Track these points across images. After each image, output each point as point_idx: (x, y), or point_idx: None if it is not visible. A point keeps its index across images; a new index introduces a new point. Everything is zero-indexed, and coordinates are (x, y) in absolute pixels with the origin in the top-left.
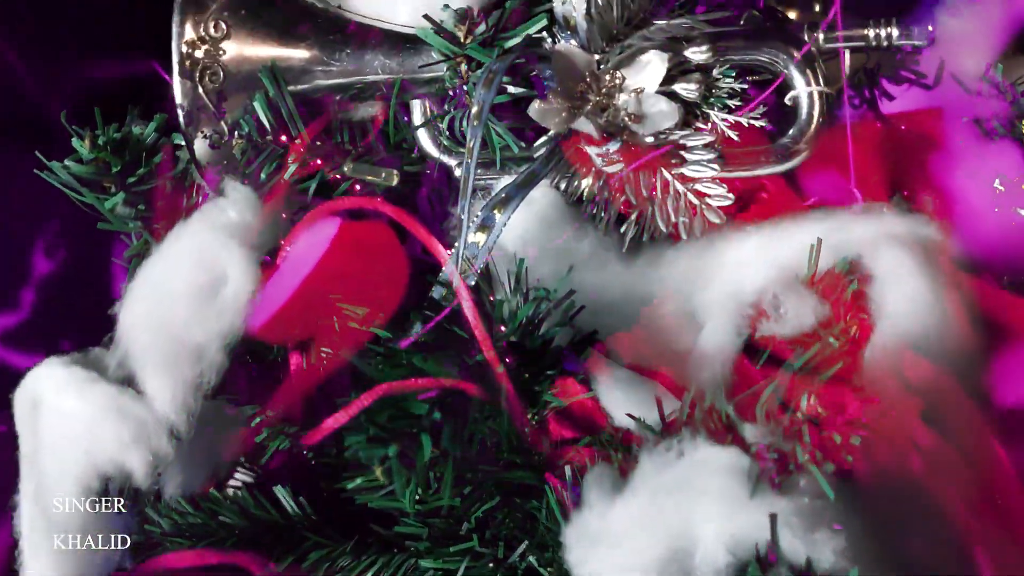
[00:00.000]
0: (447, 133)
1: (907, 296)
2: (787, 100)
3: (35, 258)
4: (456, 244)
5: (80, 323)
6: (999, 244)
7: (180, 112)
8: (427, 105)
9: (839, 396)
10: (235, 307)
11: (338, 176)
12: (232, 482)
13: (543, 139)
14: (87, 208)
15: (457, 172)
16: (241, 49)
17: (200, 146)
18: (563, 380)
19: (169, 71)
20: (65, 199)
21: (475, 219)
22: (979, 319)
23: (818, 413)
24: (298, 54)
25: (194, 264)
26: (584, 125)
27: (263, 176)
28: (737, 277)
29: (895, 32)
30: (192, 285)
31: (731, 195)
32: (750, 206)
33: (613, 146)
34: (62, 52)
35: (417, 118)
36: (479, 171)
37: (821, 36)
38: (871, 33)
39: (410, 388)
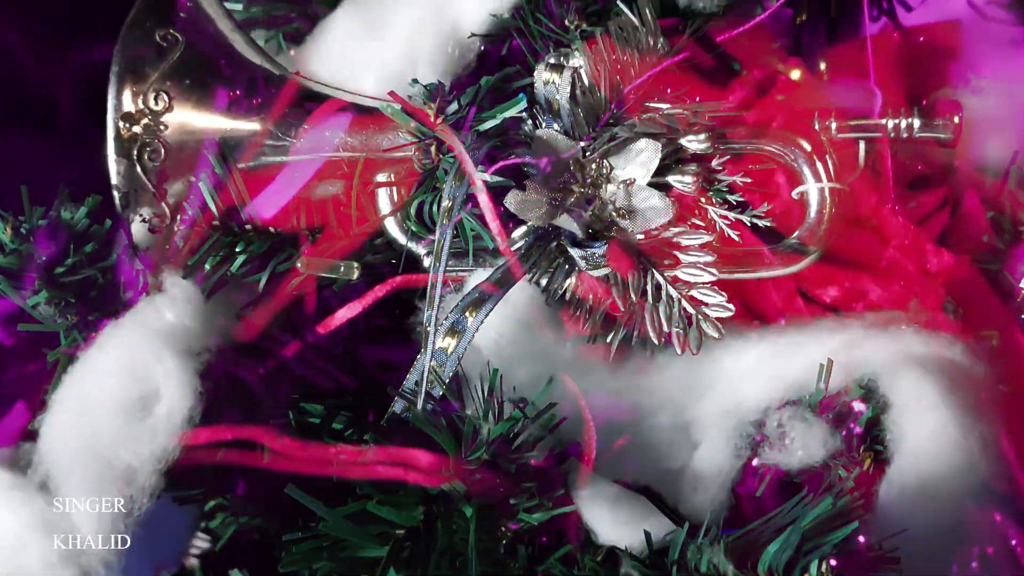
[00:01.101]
0: (415, 217)
1: (930, 431)
2: (794, 195)
3: (38, 242)
4: (422, 351)
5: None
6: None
7: (116, 194)
8: (392, 182)
9: (860, 282)
10: (169, 427)
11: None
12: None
13: (522, 230)
14: None
15: (425, 262)
16: (185, 123)
17: (138, 230)
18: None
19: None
20: (68, 180)
21: (444, 322)
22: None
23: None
24: (249, 129)
25: (125, 377)
26: (567, 222)
27: (207, 267)
28: (737, 390)
29: (916, 123)
30: (122, 401)
31: (731, 306)
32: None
33: (599, 249)
34: (63, 35)
35: (383, 204)
36: (450, 262)
37: (833, 125)
38: (889, 124)
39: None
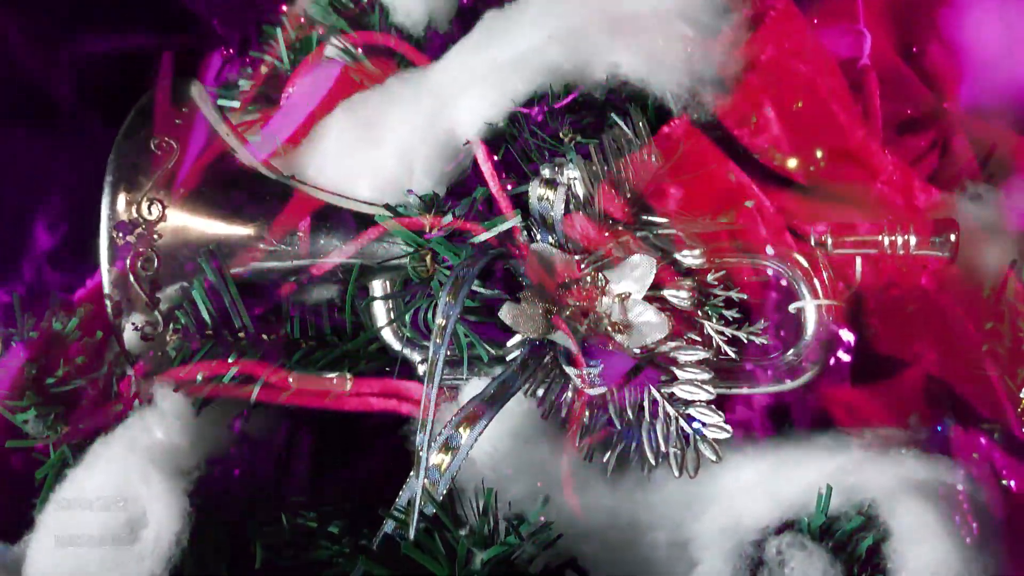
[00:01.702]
0: (409, 324)
1: (931, 561)
2: (791, 309)
3: (37, 233)
4: (415, 468)
5: (70, 420)
6: (1008, 95)
7: (108, 303)
8: (387, 289)
9: (848, 217)
10: (156, 552)
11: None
12: None
13: (516, 340)
14: None
15: (420, 369)
16: (179, 231)
17: (131, 338)
18: None
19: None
20: (67, 175)
21: (438, 437)
22: None
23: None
24: (244, 237)
25: (111, 499)
26: (563, 339)
27: (199, 378)
28: (736, 509)
29: (913, 240)
30: (108, 527)
31: (729, 428)
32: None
33: (595, 369)
34: (62, 29)
35: (380, 314)
36: (445, 371)
37: (830, 241)
38: (886, 240)
39: None
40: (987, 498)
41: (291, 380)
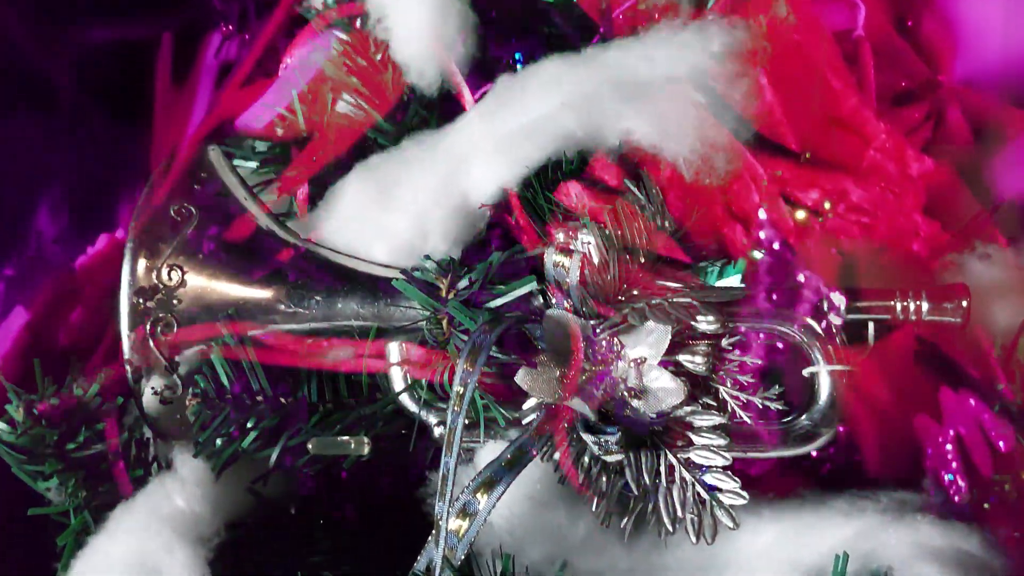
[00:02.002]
0: (426, 386)
1: None
2: (805, 374)
3: (39, 220)
4: (434, 534)
5: (91, 485)
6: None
7: (128, 368)
8: (404, 352)
9: (841, 184)
10: None
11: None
12: None
13: (532, 404)
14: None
15: (437, 432)
16: (198, 296)
17: (150, 403)
18: None
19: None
20: (68, 160)
21: (455, 503)
22: None
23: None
24: (262, 300)
25: (134, 570)
26: (579, 405)
27: (218, 442)
28: (752, 573)
29: (925, 306)
30: None
31: (745, 494)
32: None
33: (612, 436)
34: (62, 16)
35: (396, 377)
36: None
37: (843, 306)
38: (899, 306)
39: None
40: (1004, 563)
41: (311, 444)
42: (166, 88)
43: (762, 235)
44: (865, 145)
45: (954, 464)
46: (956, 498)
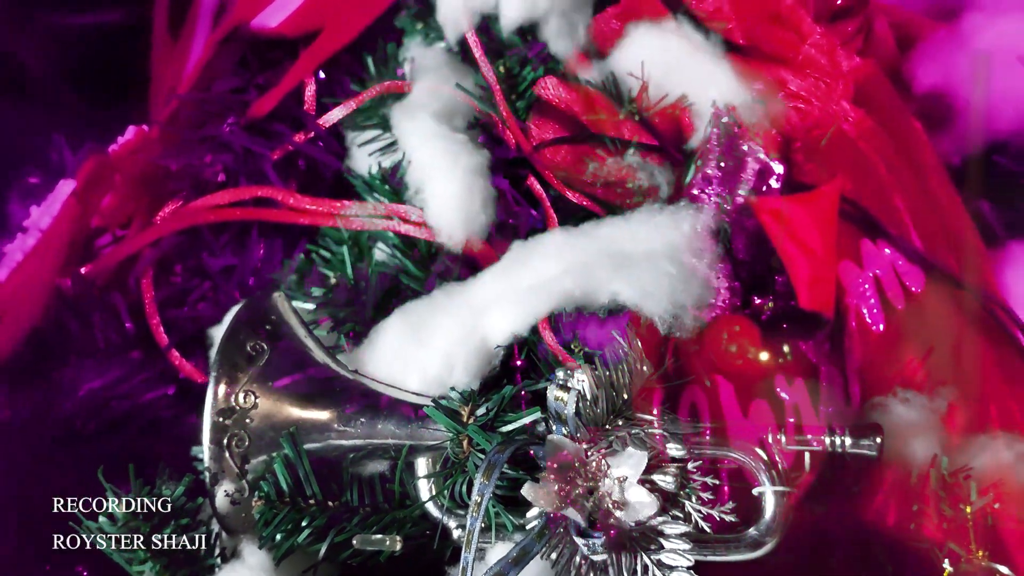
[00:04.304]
0: (447, 495)
1: None
2: (754, 492)
3: (11, 206)
4: None
5: (174, 571)
6: None
7: (207, 474)
8: (429, 466)
9: (780, 74)
10: None
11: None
12: None
13: (535, 512)
14: None
15: (456, 534)
16: (266, 417)
17: (222, 503)
18: None
19: None
20: (40, 146)
21: None
22: None
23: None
24: (319, 419)
25: None
26: (573, 514)
27: (278, 537)
28: None
29: (848, 440)
30: None
31: None
32: None
33: (598, 540)
34: (38, 1)
35: (423, 489)
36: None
37: (783, 439)
38: (827, 440)
39: None
40: None
41: (355, 540)
42: (163, 36)
43: (714, 110)
44: (801, 41)
45: (871, 300)
46: (876, 327)
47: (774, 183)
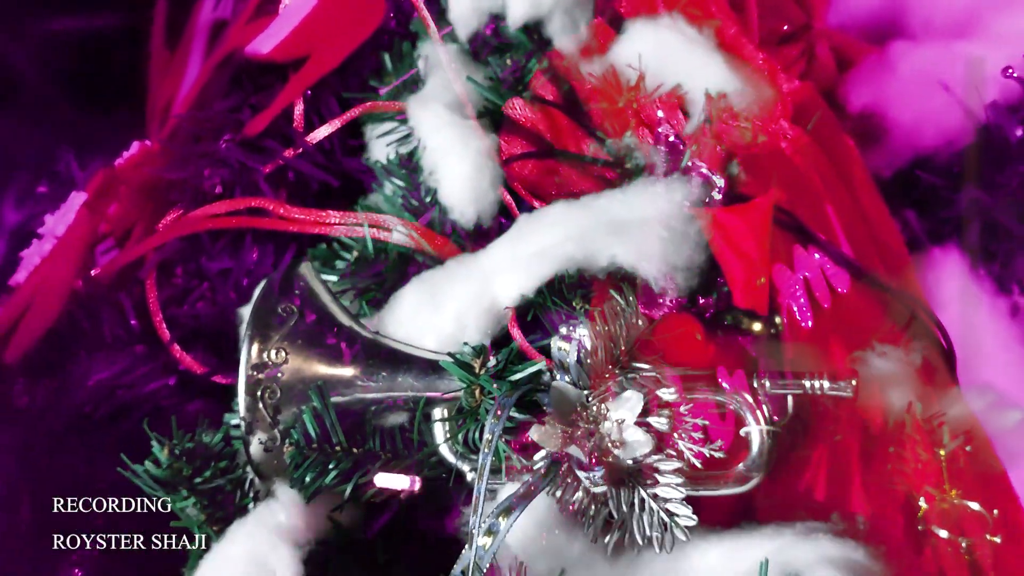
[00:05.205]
0: (461, 442)
1: None
2: (741, 433)
3: (4, 209)
4: (468, 545)
5: (213, 508)
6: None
7: (242, 424)
8: (445, 416)
9: (724, 97)
10: None
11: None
12: None
13: (541, 454)
14: None
15: (469, 477)
16: (296, 371)
17: (256, 450)
18: None
19: None
20: (34, 150)
21: (483, 524)
22: None
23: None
24: (344, 375)
25: (248, 563)
26: (575, 451)
27: (308, 479)
28: None
29: (826, 384)
30: None
31: (695, 517)
32: None
33: (598, 472)
34: (28, 5)
35: (438, 433)
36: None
37: (768, 383)
38: (807, 383)
39: None
40: (883, 569)
41: (377, 479)
42: (160, 48)
43: (660, 131)
44: (744, 67)
45: (801, 300)
46: (805, 324)
47: (716, 195)
